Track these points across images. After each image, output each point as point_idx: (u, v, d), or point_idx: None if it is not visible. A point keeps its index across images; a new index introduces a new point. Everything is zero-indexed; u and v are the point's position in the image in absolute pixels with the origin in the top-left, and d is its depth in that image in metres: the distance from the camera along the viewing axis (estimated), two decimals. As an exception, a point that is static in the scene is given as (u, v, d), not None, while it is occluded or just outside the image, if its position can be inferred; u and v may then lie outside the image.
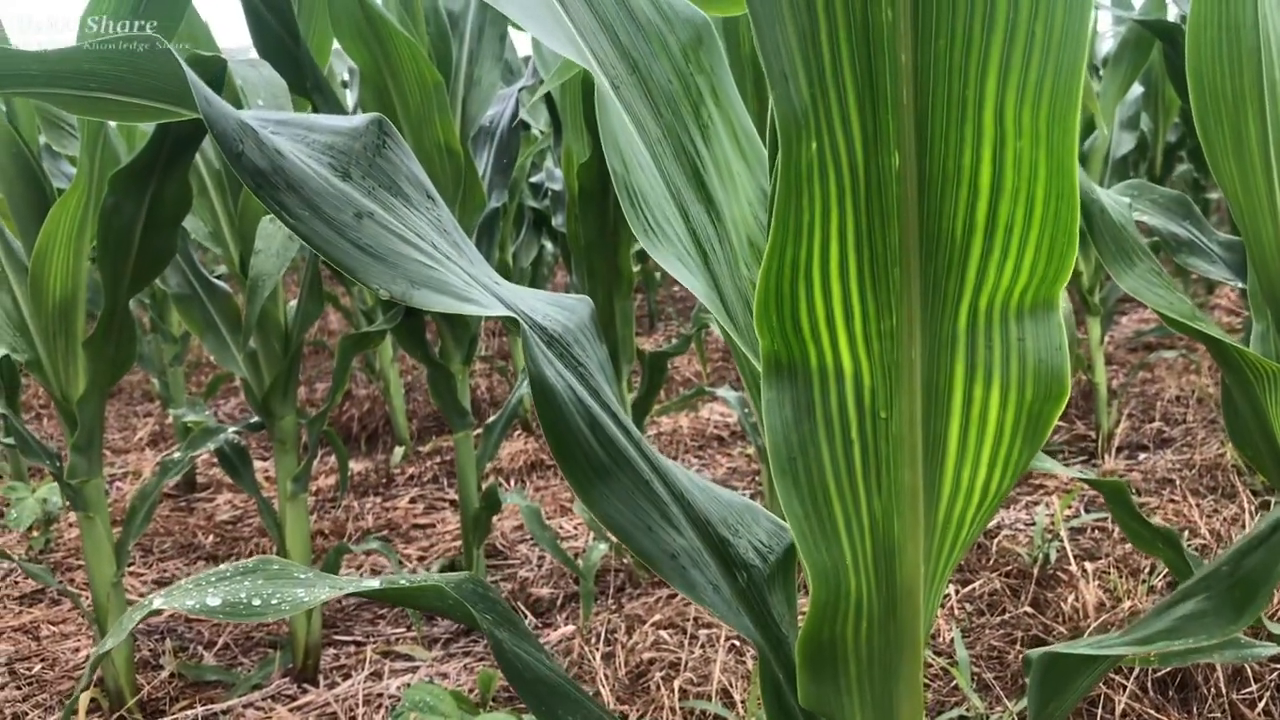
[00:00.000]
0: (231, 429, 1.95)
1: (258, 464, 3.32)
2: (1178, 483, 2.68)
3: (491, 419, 2.27)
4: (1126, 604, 1.88)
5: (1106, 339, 3.62)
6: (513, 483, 3.14)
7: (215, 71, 1.45)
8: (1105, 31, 4.50)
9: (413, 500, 3.03)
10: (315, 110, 1.78)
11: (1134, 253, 1.17)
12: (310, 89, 1.73)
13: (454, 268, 0.84)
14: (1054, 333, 0.64)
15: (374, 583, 0.82)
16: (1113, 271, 1.16)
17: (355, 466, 3.35)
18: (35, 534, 2.81)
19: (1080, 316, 3.27)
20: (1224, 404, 1.21)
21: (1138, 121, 3.31)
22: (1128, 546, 2.27)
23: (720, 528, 0.83)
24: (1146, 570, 2.09)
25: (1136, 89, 3.31)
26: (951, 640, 1.91)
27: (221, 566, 0.81)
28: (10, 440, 1.86)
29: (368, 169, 0.90)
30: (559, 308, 0.90)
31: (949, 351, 0.64)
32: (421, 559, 2.58)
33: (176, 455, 1.90)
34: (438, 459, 3.40)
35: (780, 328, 0.63)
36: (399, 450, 3.44)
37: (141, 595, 2.46)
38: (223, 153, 0.76)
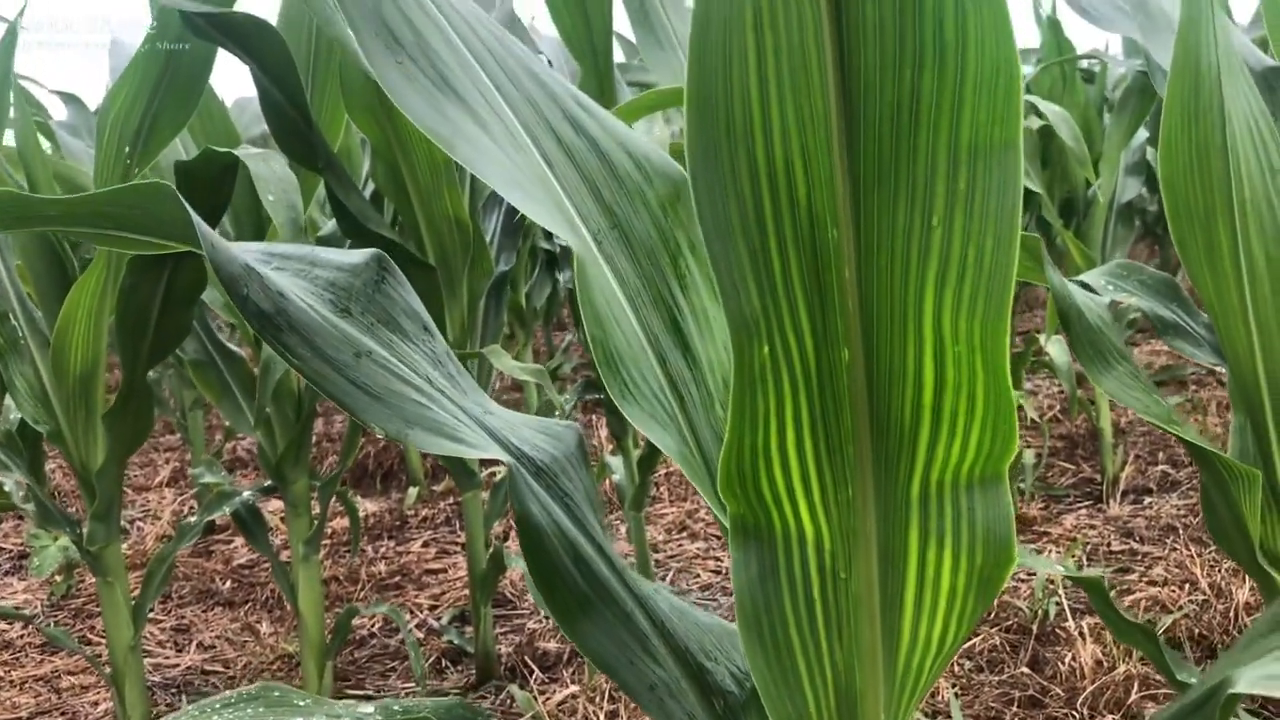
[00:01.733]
0: (246, 492, 2.01)
1: (274, 504, 3.38)
2: (1180, 531, 2.71)
3: (500, 476, 2.31)
4: (1121, 668, 1.91)
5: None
6: (524, 526, 3.18)
7: (229, 166, 1.51)
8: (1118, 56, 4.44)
9: (425, 545, 3.08)
10: (328, 186, 1.84)
11: (1111, 355, 1.20)
12: (322, 168, 1.78)
13: (446, 404, 0.88)
14: (1002, 503, 0.67)
15: (369, 709, 0.87)
16: (1089, 374, 1.19)
17: (370, 507, 3.40)
18: (58, 579, 2.87)
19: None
20: (1202, 500, 1.24)
21: (1144, 166, 3.33)
22: (1126, 600, 2.30)
23: (699, 655, 0.87)
24: (1145, 628, 2.11)
25: (1141, 133, 3.33)
26: (948, 701, 1.94)
27: (226, 693, 0.86)
28: (31, 506, 1.91)
29: (367, 305, 0.94)
30: (547, 435, 0.94)
31: (903, 519, 0.68)
32: (433, 607, 2.63)
33: (192, 520, 1.96)
34: (451, 500, 3.45)
35: (744, 496, 0.68)
36: (413, 491, 3.49)
37: (161, 645, 2.51)
38: (229, 295, 0.80)
